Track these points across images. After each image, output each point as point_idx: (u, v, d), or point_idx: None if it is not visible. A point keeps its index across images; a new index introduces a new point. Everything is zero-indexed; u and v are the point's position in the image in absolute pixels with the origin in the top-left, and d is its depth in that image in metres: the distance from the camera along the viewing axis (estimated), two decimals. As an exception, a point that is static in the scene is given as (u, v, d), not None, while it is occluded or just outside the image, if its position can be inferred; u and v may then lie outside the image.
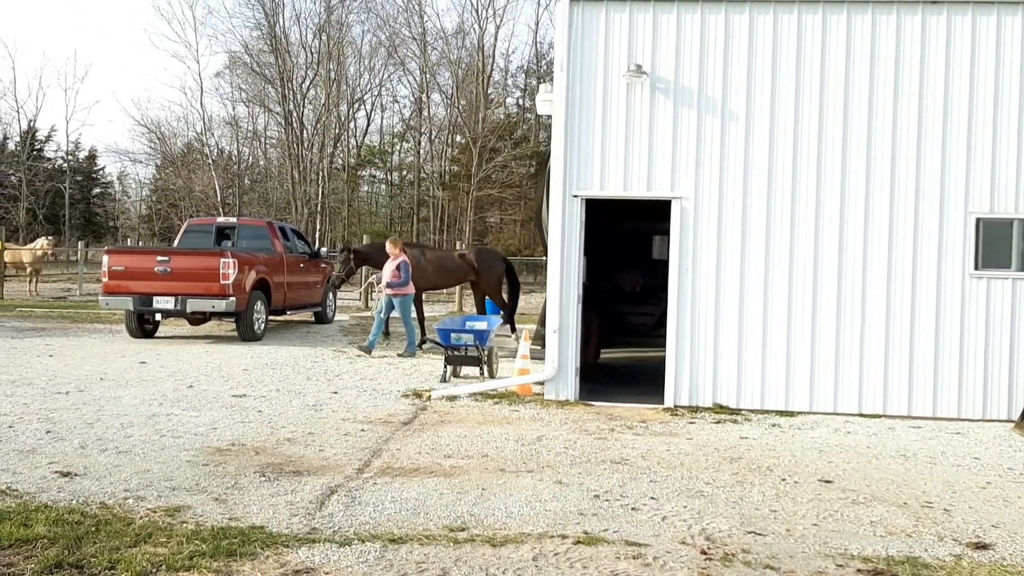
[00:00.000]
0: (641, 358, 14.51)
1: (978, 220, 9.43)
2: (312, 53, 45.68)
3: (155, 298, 14.59)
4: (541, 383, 9.97)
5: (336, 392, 10.07)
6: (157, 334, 15.83)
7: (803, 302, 9.54)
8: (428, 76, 46.40)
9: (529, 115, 46.48)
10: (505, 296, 16.57)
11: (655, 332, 12.46)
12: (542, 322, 13.32)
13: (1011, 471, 7.13)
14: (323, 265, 18.64)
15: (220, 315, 15.27)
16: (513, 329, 15.99)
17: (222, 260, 14.58)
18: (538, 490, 6.13)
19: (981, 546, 5.22)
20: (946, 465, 7.29)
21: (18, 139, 54.07)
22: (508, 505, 5.76)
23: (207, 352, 13.54)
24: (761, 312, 9.57)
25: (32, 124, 54.72)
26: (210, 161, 46.28)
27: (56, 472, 6.25)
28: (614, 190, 9.77)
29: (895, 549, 5.12)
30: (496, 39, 46.08)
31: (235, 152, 49.92)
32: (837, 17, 9.54)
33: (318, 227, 43.57)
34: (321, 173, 45.33)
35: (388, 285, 13.52)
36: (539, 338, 12.65)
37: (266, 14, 44.71)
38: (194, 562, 4.54)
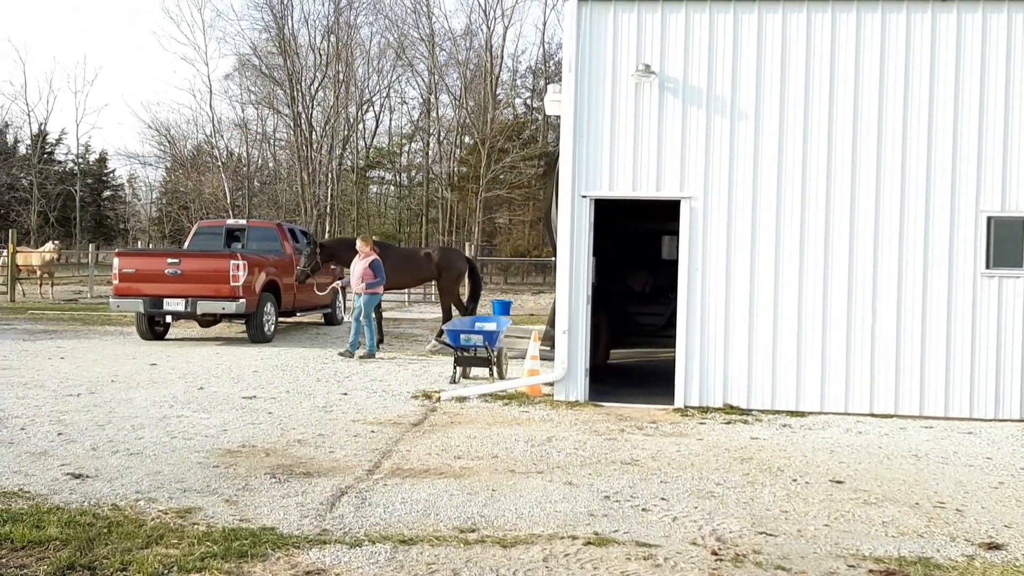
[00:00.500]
0: (651, 359, 14.48)
1: (989, 219, 9.38)
2: (321, 55, 45.78)
3: (165, 300, 14.65)
4: (551, 384, 9.96)
5: (346, 393, 10.09)
6: (168, 336, 15.90)
7: (813, 301, 9.51)
8: (436, 77, 46.44)
9: (537, 115, 46.47)
10: (465, 297, 16.31)
11: (665, 332, 12.44)
12: (551, 323, 13.31)
13: (1024, 471, 7.10)
14: (332, 267, 18.68)
15: (230, 317, 15.33)
16: (440, 333, 15.50)
17: (232, 262, 14.64)
18: (548, 491, 6.13)
19: (994, 546, 5.19)
20: (958, 465, 7.25)
21: (29, 142, 54.38)
22: (518, 506, 5.76)
23: (217, 354, 13.58)
24: (771, 312, 9.54)
25: (43, 127, 55.07)
26: (219, 163, 46.41)
27: (68, 474, 6.28)
28: (623, 190, 9.76)
29: (907, 550, 5.10)
30: (504, 40, 46.05)
31: (244, 154, 50.11)
32: (846, 15, 9.51)
33: (327, 229, 43.62)
34: (330, 175, 45.41)
35: (368, 285, 13.31)
36: (548, 339, 12.64)
37: (275, 16, 44.85)
38: (206, 563, 4.56)
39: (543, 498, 5.95)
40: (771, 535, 5.30)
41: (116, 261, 15.34)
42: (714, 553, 4.95)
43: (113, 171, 61.56)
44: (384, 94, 49.35)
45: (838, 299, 9.48)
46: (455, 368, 11.22)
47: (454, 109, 47.49)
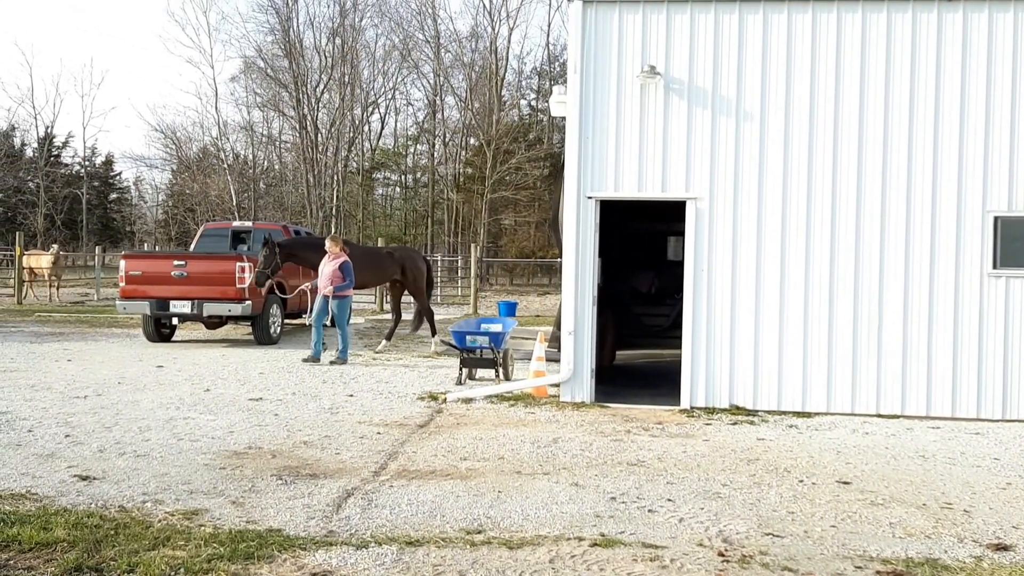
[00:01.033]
0: (657, 359, 14.47)
1: (996, 219, 9.35)
2: (326, 57, 45.90)
3: (172, 302, 14.68)
4: (557, 385, 9.96)
5: (352, 395, 10.10)
6: (174, 338, 15.93)
7: (820, 301, 9.49)
8: (442, 79, 46.54)
9: (542, 117, 46.51)
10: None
11: (670, 333, 12.43)
12: (557, 324, 13.30)
13: (1032, 471, 7.07)
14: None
15: (236, 319, 15.35)
16: (434, 332, 15.10)
17: (238, 264, 14.66)
18: (554, 492, 6.13)
19: (1001, 547, 5.17)
20: (965, 466, 7.23)
21: (36, 145, 54.59)
22: (524, 507, 5.76)
23: (223, 356, 13.61)
24: (777, 312, 9.52)
25: (49, 130, 55.30)
26: (225, 166, 46.55)
27: (75, 476, 6.30)
28: (628, 191, 9.75)
29: (914, 551, 5.09)
30: (509, 41, 46.48)
31: (250, 156, 50.26)
32: (852, 16, 9.49)
33: (333, 230, 43.71)
34: (335, 176, 45.53)
35: (336, 288, 12.68)
36: (554, 340, 12.63)
37: (280, 19, 45.00)
38: (212, 565, 4.56)
39: (549, 499, 5.95)
40: (778, 536, 5.29)
41: (123, 263, 15.40)
42: (721, 554, 4.94)
43: (119, 174, 61.92)
44: (389, 96, 49.52)
45: (844, 299, 9.46)
46: (461, 369, 11.22)
47: (459, 111, 47.61)
